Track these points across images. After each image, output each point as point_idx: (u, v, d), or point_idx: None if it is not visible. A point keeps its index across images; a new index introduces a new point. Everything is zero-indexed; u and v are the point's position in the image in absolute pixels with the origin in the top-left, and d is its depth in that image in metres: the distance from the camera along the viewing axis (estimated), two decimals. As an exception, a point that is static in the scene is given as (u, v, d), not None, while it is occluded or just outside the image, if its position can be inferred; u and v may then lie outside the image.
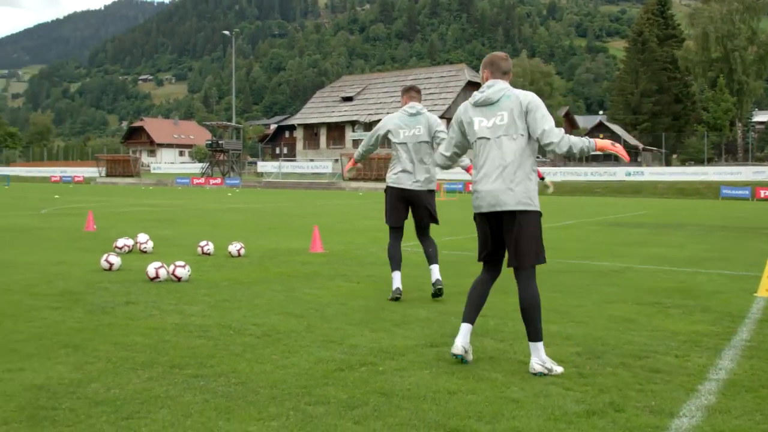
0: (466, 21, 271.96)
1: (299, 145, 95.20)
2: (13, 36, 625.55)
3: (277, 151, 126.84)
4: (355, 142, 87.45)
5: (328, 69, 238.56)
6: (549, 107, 38.36)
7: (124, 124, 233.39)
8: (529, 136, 4.93)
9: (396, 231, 7.72)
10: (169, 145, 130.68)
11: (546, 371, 4.78)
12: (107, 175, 74.12)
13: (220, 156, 74.77)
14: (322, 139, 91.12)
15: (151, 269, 8.49)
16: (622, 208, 30.80)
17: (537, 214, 4.96)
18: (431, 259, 7.55)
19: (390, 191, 7.57)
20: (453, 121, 5.31)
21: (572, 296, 7.91)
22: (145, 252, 11.43)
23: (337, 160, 68.83)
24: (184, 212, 23.54)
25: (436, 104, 79.63)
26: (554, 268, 9.93)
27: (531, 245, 4.90)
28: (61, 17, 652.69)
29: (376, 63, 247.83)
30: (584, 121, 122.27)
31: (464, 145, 5.33)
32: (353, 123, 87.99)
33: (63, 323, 6.18)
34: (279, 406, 4.08)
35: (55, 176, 79.53)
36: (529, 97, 4.96)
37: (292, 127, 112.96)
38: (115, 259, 9.50)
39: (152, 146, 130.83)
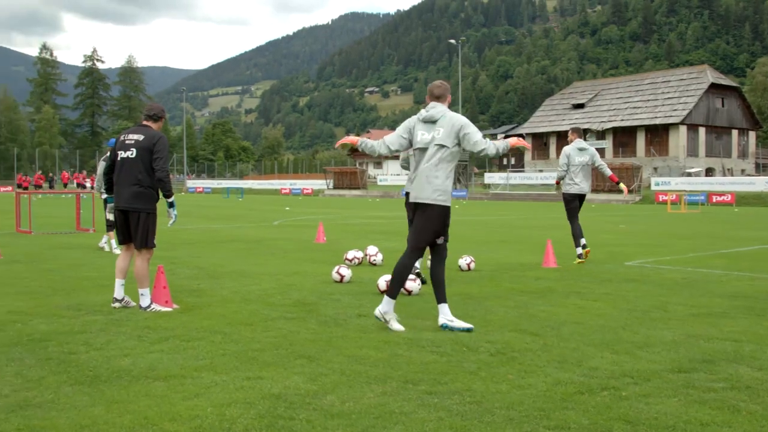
0: (708, 18, 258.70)
1: (528, 156, 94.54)
2: (247, 54, 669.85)
3: (505, 162, 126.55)
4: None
5: (558, 75, 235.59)
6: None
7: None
8: (457, 148, 6.81)
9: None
10: (396, 157, 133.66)
11: None
12: (334, 187, 77.22)
13: (447, 167, 75.62)
14: (552, 148, 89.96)
15: (381, 282, 8.70)
16: None
17: (442, 208, 6.77)
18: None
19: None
20: (405, 125, 7.06)
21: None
22: (375, 264, 11.75)
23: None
24: (411, 225, 23.92)
25: (675, 109, 76.37)
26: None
27: (428, 231, 6.82)
28: (290, 33, 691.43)
29: (608, 67, 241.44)
30: None
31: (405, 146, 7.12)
32: (585, 131, 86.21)
33: (298, 334, 6.46)
34: (516, 429, 4.02)
35: (285, 188, 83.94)
36: (462, 120, 6.83)
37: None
38: (346, 271, 9.84)
39: (379, 158, 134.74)
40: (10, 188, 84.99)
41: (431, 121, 6.84)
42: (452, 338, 6.26)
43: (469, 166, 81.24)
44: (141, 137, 7.64)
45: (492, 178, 73.80)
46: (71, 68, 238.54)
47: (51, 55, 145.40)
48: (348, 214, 32.26)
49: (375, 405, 4.41)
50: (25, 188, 60.21)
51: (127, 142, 7.68)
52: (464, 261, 11.23)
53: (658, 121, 77.49)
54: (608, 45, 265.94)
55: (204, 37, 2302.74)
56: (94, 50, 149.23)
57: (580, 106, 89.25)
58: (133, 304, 7.88)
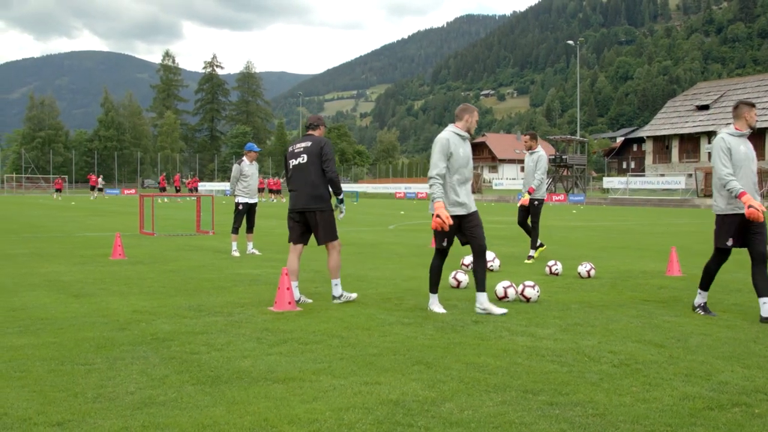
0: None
1: (648, 159, 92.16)
2: (362, 58, 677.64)
3: (624, 165, 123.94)
4: (711, 156, 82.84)
5: (680, 76, 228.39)
6: None
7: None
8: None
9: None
10: (511, 161, 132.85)
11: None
12: (449, 192, 77.06)
13: (564, 171, 74.68)
14: (674, 152, 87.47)
15: (499, 288, 8.63)
16: None
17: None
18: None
19: None
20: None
21: None
22: (492, 270, 11.66)
23: (690, 175, 65.67)
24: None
25: (810, 112, 73.11)
26: None
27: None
28: (405, 37, 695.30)
29: (735, 67, 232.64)
30: None
31: None
32: (709, 134, 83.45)
33: (415, 339, 6.47)
34: (644, 444, 3.91)
35: (400, 192, 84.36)
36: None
37: (640, 140, 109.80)
38: (463, 277, 9.81)
39: (494, 162, 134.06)
40: (134, 191, 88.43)
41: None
42: (573, 348, 6.14)
43: (587, 170, 79.85)
44: (309, 144, 8.53)
45: (611, 182, 72.21)
46: (191, 74, 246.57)
47: (173, 62, 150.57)
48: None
49: (494, 414, 4.36)
50: (163, 188, 62.43)
51: (296, 150, 8.58)
52: (584, 268, 11.02)
53: (788, 123, 74.33)
54: (735, 43, 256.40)
55: (320, 41, 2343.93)
56: (214, 56, 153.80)
57: (705, 107, 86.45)
58: (310, 301, 8.58)
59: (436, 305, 7.95)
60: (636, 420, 4.28)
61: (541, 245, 13.53)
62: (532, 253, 13.35)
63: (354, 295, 8.71)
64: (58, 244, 16.38)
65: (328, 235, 8.46)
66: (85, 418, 4.23)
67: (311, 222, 8.49)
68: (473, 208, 7.86)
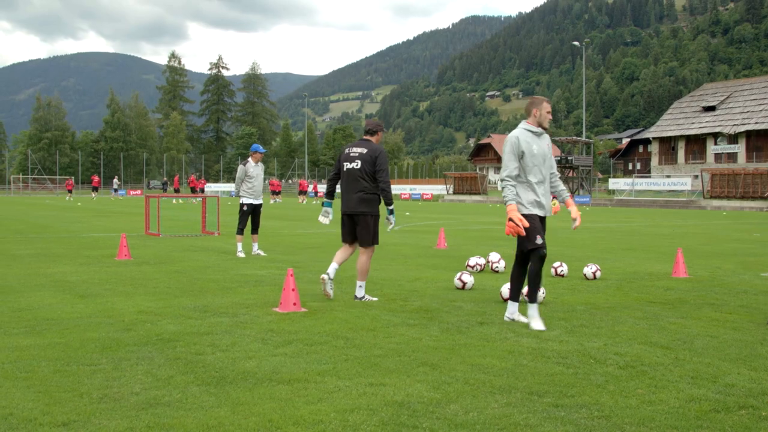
0: None
1: (654, 160, 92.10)
2: (367, 59, 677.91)
3: (630, 166, 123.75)
4: (717, 157, 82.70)
5: (687, 77, 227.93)
6: None
7: (471, 141, 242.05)
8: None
9: None
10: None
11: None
12: (454, 193, 77.20)
13: (570, 173, 74.60)
14: (680, 153, 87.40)
15: (504, 290, 8.61)
16: None
17: None
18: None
19: None
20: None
21: None
22: (497, 271, 11.66)
23: (696, 176, 65.54)
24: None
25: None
26: None
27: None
28: (410, 38, 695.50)
29: (741, 68, 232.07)
30: None
31: None
32: (716, 135, 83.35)
33: (420, 340, 6.46)
34: (649, 446, 3.90)
35: (405, 193, 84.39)
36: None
37: (646, 141, 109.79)
38: (468, 278, 9.79)
39: (499, 163, 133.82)
40: (139, 192, 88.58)
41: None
42: (579, 350, 6.13)
43: (593, 172, 79.74)
44: (364, 150, 8.75)
45: (617, 183, 72.11)
46: (197, 75, 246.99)
47: (179, 63, 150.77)
48: (469, 219, 32.16)
49: (499, 416, 4.35)
50: (176, 190, 62.60)
51: (351, 154, 8.81)
52: (589, 269, 11.01)
53: (795, 124, 74.19)
54: (741, 44, 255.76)
55: (325, 42, 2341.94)
56: (220, 58, 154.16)
57: (711, 108, 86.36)
58: (375, 299, 8.84)
59: (517, 315, 7.45)
60: (642, 422, 4.27)
61: None
62: None
63: (375, 299, 8.83)
64: (63, 245, 16.41)
65: (366, 238, 8.75)
66: (90, 419, 4.23)
67: (358, 224, 8.78)
68: (550, 212, 7.43)
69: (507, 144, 7.25)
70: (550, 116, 7.42)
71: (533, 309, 7.18)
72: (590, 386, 5.01)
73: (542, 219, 7.30)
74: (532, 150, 7.22)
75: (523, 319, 7.33)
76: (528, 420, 4.28)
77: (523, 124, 7.41)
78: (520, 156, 7.20)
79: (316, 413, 4.36)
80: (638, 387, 5.02)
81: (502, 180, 7.18)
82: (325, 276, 8.77)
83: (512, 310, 7.48)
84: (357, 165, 8.71)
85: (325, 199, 9.14)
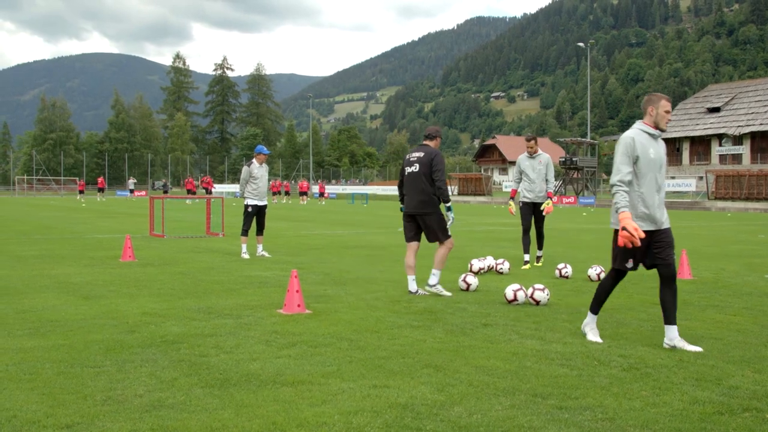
0: None
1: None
2: (372, 60, 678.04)
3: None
4: (722, 158, 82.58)
5: (692, 78, 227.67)
6: None
7: (476, 142, 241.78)
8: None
9: None
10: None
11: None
12: (459, 194, 77.13)
13: (574, 174, 74.50)
14: (685, 154, 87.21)
15: (509, 291, 8.62)
16: None
17: None
18: None
19: None
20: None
21: None
22: (502, 273, 11.65)
23: (701, 178, 65.43)
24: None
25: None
26: None
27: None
28: (415, 39, 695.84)
29: (746, 69, 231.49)
30: None
31: None
32: (720, 136, 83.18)
33: (424, 342, 6.46)
34: (653, 449, 3.89)
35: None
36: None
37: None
38: (473, 280, 9.80)
39: (504, 164, 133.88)
40: (144, 192, 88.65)
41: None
42: (583, 352, 6.12)
43: (598, 173, 79.63)
44: (422, 154, 9.50)
45: (621, 184, 71.74)
46: (201, 76, 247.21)
47: (184, 64, 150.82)
48: (473, 221, 32.11)
49: (503, 418, 4.35)
50: (189, 191, 62.59)
51: (411, 159, 9.59)
52: (594, 271, 11.01)
53: (801, 125, 74.04)
54: (746, 45, 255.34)
55: (329, 43, 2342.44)
56: (224, 59, 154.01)
57: (716, 110, 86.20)
58: (449, 294, 9.36)
59: (591, 329, 6.81)
60: (646, 424, 4.27)
61: (527, 263, 13.00)
62: (539, 253, 13.29)
63: (448, 294, 9.37)
64: (68, 246, 16.43)
65: (437, 235, 9.43)
66: (93, 421, 4.24)
67: (421, 224, 9.51)
68: (665, 224, 6.55)
69: (620, 145, 6.46)
70: (668, 116, 6.60)
71: (590, 318, 6.83)
72: (594, 388, 5.01)
73: (652, 233, 6.47)
74: (648, 154, 6.45)
75: (686, 345, 6.42)
76: (532, 422, 4.28)
77: (638, 124, 6.61)
78: (635, 160, 6.41)
79: (320, 415, 4.37)
80: (642, 389, 5.01)
81: (612, 185, 6.40)
82: (424, 292, 9.46)
83: (588, 321, 6.86)
84: (416, 168, 9.45)
85: (401, 205, 9.79)
